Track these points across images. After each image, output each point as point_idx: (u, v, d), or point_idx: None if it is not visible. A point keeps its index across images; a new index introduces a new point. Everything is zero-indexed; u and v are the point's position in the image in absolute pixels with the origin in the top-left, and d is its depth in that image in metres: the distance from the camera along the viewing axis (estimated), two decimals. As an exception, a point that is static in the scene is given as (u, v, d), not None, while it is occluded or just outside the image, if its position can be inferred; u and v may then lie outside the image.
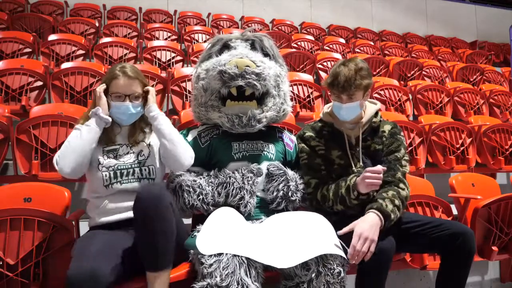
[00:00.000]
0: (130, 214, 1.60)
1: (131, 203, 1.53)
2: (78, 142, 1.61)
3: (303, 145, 1.92)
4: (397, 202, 1.69)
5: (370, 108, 1.92)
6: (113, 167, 1.67)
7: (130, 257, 1.46)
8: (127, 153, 1.72)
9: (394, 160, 1.83)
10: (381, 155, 1.86)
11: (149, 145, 1.78)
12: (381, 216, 1.62)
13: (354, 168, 1.83)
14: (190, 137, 1.86)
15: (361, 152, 1.85)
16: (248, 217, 1.74)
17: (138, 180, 1.69)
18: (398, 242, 1.72)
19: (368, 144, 1.87)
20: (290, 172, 1.84)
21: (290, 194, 1.79)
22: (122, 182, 1.67)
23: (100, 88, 1.70)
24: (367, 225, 1.57)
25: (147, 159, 1.74)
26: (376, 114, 1.92)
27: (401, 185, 1.76)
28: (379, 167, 1.65)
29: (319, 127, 1.95)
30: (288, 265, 1.45)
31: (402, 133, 1.93)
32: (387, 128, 1.91)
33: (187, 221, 2.04)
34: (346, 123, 1.88)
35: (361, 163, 1.84)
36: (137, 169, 1.70)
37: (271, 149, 1.89)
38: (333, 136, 1.90)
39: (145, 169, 1.71)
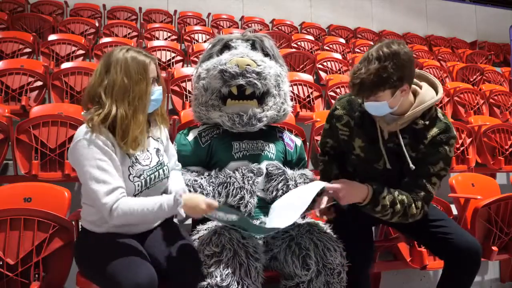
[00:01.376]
0: (145, 228, 1.59)
1: None
2: (149, 218, 1.44)
3: (327, 124, 1.77)
4: (398, 207, 1.54)
5: (424, 97, 1.56)
6: (143, 175, 1.50)
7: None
8: (142, 151, 1.53)
9: (424, 176, 1.57)
10: (411, 162, 1.57)
11: (158, 139, 1.64)
12: (370, 197, 1.53)
13: (376, 164, 1.64)
14: (190, 137, 1.86)
15: (391, 149, 1.60)
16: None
17: (161, 180, 1.58)
18: (415, 233, 1.74)
19: (403, 143, 1.57)
20: (289, 172, 1.84)
21: None
22: (149, 187, 1.53)
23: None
24: (352, 189, 1.53)
25: (164, 157, 1.62)
26: (429, 110, 1.58)
27: (418, 203, 1.56)
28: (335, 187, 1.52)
29: (356, 105, 1.67)
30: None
31: (451, 142, 1.57)
32: (432, 133, 1.57)
33: (187, 221, 2.05)
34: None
35: (387, 162, 1.62)
36: (160, 171, 1.56)
37: (272, 149, 1.89)
38: (364, 123, 1.64)
39: (166, 168, 1.60)
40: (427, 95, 1.58)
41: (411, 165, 1.56)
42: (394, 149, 1.60)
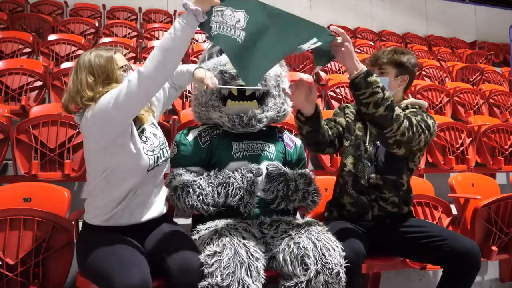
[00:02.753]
0: (148, 216, 1.62)
1: (153, 200, 1.62)
2: (174, 43, 1.39)
3: (339, 109, 2.02)
4: (387, 94, 1.56)
5: (410, 99, 1.90)
6: (156, 151, 1.62)
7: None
8: (142, 132, 1.63)
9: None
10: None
11: (152, 125, 1.72)
12: (366, 68, 1.55)
13: (366, 143, 1.86)
14: (190, 137, 1.86)
15: None
16: (248, 217, 1.75)
17: (165, 160, 1.67)
18: (403, 249, 1.81)
19: None
20: (289, 172, 1.84)
21: (290, 193, 1.79)
22: (159, 165, 1.63)
23: None
24: (352, 53, 1.53)
25: (165, 140, 1.72)
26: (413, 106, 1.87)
27: (401, 110, 1.62)
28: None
29: None
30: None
31: (425, 114, 1.78)
32: (411, 110, 1.84)
33: (187, 220, 2.05)
34: None
35: (367, 139, 1.86)
36: (164, 150, 1.67)
37: (271, 149, 1.89)
38: None
39: (167, 149, 1.71)
40: (416, 99, 1.95)
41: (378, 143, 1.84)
42: None
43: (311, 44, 1.53)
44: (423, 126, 1.69)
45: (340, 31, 1.53)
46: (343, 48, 1.53)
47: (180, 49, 1.41)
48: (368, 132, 1.88)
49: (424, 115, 1.77)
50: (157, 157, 1.62)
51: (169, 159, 1.74)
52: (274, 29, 1.50)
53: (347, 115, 1.96)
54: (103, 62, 1.55)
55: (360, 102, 1.58)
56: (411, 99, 1.93)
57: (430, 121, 1.74)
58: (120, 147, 1.51)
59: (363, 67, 1.55)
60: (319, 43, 1.53)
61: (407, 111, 1.80)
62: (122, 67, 1.60)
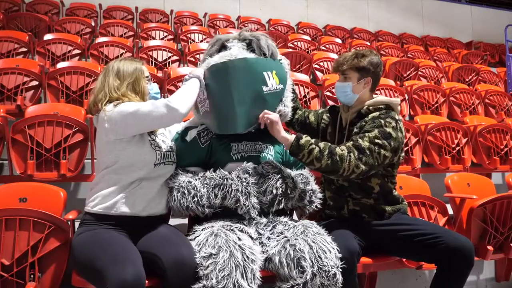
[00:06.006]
0: (148, 211, 1.65)
1: (154, 199, 1.67)
2: (193, 90, 1.72)
3: (320, 110, 2.14)
4: (322, 145, 1.68)
5: (382, 98, 1.91)
6: (162, 149, 1.73)
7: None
8: (152, 132, 1.77)
9: (356, 136, 1.75)
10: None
11: (162, 134, 1.85)
12: (293, 142, 1.69)
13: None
14: (189, 137, 1.85)
15: (346, 136, 1.90)
16: (248, 219, 1.73)
17: (171, 164, 1.76)
18: (397, 248, 1.81)
19: (351, 129, 1.88)
20: (284, 169, 1.82)
21: (289, 191, 1.77)
22: (165, 163, 1.72)
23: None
24: (279, 128, 1.75)
25: (173, 147, 1.83)
26: (380, 106, 1.88)
27: (343, 147, 1.69)
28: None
29: (337, 108, 2.07)
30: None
31: (388, 119, 1.77)
32: (373, 114, 1.84)
33: (184, 221, 2.04)
34: (345, 106, 1.97)
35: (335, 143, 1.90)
36: (171, 153, 1.78)
37: (270, 150, 1.88)
38: (335, 115, 2.02)
39: (174, 154, 1.80)
40: (385, 97, 1.94)
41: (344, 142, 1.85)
42: (348, 134, 1.89)
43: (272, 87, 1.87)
44: (380, 142, 1.71)
45: (266, 118, 1.76)
46: (273, 128, 1.75)
47: (194, 90, 1.72)
48: (336, 138, 1.96)
49: (383, 122, 1.76)
50: (164, 154, 1.72)
51: (175, 164, 1.80)
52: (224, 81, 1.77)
53: (323, 121, 2.07)
54: (132, 69, 1.73)
55: (305, 164, 1.72)
56: (374, 99, 1.90)
57: (390, 128, 1.74)
58: (127, 143, 1.63)
59: (291, 137, 1.71)
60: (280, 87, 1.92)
61: (358, 138, 1.74)
62: (147, 76, 1.78)
